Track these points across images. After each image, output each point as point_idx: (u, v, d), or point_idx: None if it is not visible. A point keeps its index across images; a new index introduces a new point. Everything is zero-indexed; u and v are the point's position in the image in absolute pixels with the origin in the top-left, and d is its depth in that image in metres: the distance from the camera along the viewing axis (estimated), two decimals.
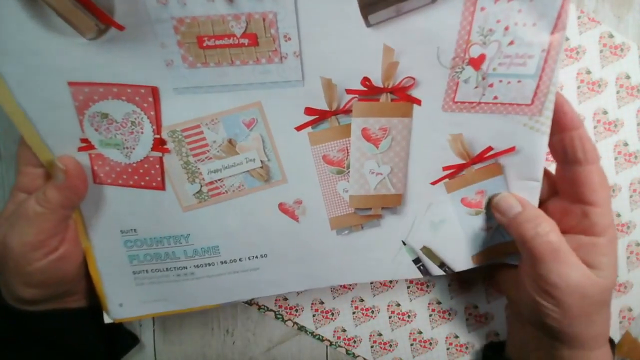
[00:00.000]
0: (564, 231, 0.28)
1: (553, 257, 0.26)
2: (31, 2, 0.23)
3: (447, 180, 0.30)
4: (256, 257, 0.31)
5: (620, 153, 0.36)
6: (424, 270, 0.32)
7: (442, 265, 0.32)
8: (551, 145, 0.28)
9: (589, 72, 0.35)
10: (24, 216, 0.26)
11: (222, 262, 0.31)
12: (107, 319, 0.31)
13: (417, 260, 0.31)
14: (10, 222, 0.27)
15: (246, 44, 0.25)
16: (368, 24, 0.25)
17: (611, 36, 0.34)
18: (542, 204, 0.30)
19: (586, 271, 0.26)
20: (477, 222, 0.31)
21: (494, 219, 0.30)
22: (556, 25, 0.24)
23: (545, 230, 0.26)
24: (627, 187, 0.36)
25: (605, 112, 0.35)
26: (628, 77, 0.35)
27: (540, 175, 0.28)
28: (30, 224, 0.26)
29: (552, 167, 0.30)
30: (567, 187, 0.28)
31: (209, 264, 0.31)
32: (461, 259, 0.32)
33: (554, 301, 0.26)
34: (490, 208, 0.30)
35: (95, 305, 0.31)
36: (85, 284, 0.31)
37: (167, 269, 0.30)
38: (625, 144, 0.36)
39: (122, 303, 0.31)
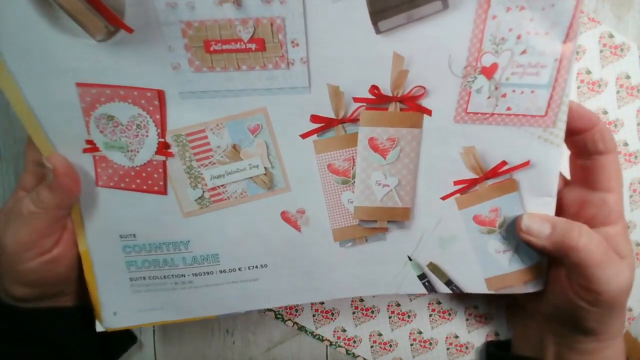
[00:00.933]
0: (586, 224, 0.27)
1: (608, 260, 0.26)
2: (43, 3, 0.24)
3: (458, 195, 0.29)
4: (256, 267, 0.30)
5: (620, 153, 0.36)
6: (430, 287, 0.30)
7: (449, 283, 0.30)
8: (571, 141, 0.27)
9: (589, 72, 0.35)
10: (19, 215, 0.27)
11: (221, 272, 0.30)
12: (99, 328, 0.30)
13: (422, 276, 0.30)
14: (7, 220, 0.27)
15: (253, 49, 0.25)
16: (378, 31, 0.25)
17: (611, 36, 0.34)
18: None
19: (624, 264, 0.26)
20: (491, 242, 0.29)
21: (510, 240, 0.29)
22: (568, 34, 0.24)
23: (588, 236, 0.26)
24: (627, 187, 0.36)
25: (605, 112, 0.35)
26: (628, 77, 0.35)
27: (554, 190, 0.27)
28: (24, 223, 0.26)
29: None
30: (585, 176, 0.28)
31: (208, 273, 0.30)
32: (472, 280, 0.30)
33: (604, 304, 0.26)
34: (507, 229, 0.29)
35: (87, 305, 0.31)
36: (78, 287, 0.30)
37: (164, 276, 0.30)
38: (625, 144, 0.35)
39: (116, 311, 0.30)
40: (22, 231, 0.26)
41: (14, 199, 0.28)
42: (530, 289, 0.30)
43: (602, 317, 0.27)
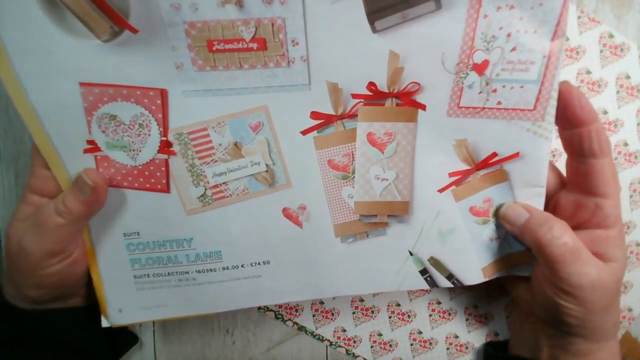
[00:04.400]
0: (577, 226, 0.29)
1: (573, 258, 0.27)
2: (50, 3, 0.25)
3: (454, 187, 0.30)
4: (258, 263, 0.31)
5: (620, 153, 0.37)
6: (431, 282, 0.32)
7: (450, 277, 0.32)
8: (567, 139, 0.28)
9: (589, 72, 0.36)
10: (43, 226, 0.27)
11: (223, 268, 0.31)
12: (105, 323, 0.31)
13: (424, 271, 0.31)
14: (28, 227, 0.28)
15: (255, 49, 0.27)
16: (374, 30, 0.26)
17: (611, 36, 0.35)
18: (552, 198, 0.30)
19: (602, 265, 0.27)
20: (485, 231, 0.31)
21: (502, 228, 0.30)
22: (556, 32, 0.26)
23: (559, 233, 0.27)
24: (627, 187, 0.37)
25: (605, 112, 0.36)
26: (628, 77, 0.36)
27: (544, 180, 0.29)
28: (51, 234, 0.27)
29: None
30: (580, 180, 0.29)
31: (211, 270, 0.31)
32: (471, 272, 0.32)
33: (576, 301, 0.27)
34: (498, 218, 0.30)
35: (95, 304, 0.31)
36: (85, 288, 0.31)
37: (168, 273, 0.31)
38: (625, 144, 0.37)
39: (121, 308, 0.31)
40: (48, 241, 0.27)
41: (27, 203, 0.29)
42: (517, 272, 0.31)
43: (582, 315, 0.27)
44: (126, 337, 0.35)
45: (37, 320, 0.30)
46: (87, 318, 0.31)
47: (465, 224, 0.31)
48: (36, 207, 0.28)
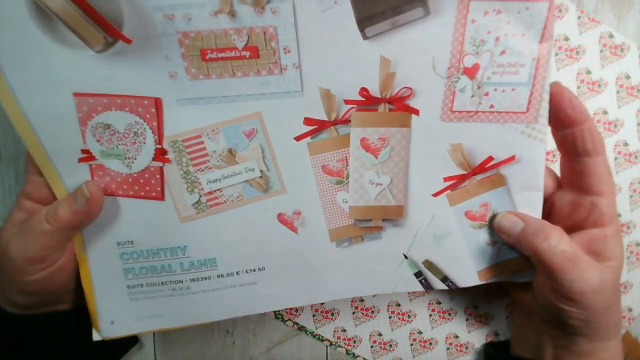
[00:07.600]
0: (573, 226, 0.29)
1: (572, 266, 0.27)
2: (42, 15, 0.26)
3: (449, 192, 0.31)
4: (254, 270, 0.32)
5: (620, 153, 0.38)
6: (426, 284, 0.32)
7: (445, 279, 0.32)
8: (561, 139, 0.29)
9: (589, 72, 0.37)
10: (30, 230, 0.28)
11: (218, 276, 0.32)
12: (96, 337, 0.32)
13: (418, 274, 0.32)
14: (16, 232, 0.29)
15: (247, 57, 0.28)
16: (365, 37, 0.27)
17: (611, 36, 0.36)
18: (547, 200, 0.31)
19: (601, 267, 0.28)
20: (482, 236, 0.32)
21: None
22: (543, 35, 0.27)
23: (556, 241, 0.28)
24: (627, 187, 0.38)
25: (605, 112, 0.37)
26: (628, 77, 0.37)
27: (541, 184, 0.30)
28: (36, 239, 0.28)
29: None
30: (575, 179, 0.29)
31: (206, 278, 0.31)
32: (466, 274, 0.32)
33: (579, 305, 0.28)
34: (493, 228, 0.31)
35: (84, 306, 0.32)
36: (75, 294, 0.32)
37: (162, 282, 0.31)
38: (625, 144, 0.37)
39: (114, 320, 0.32)
40: (32, 247, 0.28)
41: (19, 209, 0.30)
42: (518, 278, 0.32)
43: (585, 317, 0.28)
44: (125, 338, 0.35)
45: (26, 325, 0.30)
46: (78, 321, 0.32)
47: (460, 228, 0.32)
48: (29, 212, 0.29)
